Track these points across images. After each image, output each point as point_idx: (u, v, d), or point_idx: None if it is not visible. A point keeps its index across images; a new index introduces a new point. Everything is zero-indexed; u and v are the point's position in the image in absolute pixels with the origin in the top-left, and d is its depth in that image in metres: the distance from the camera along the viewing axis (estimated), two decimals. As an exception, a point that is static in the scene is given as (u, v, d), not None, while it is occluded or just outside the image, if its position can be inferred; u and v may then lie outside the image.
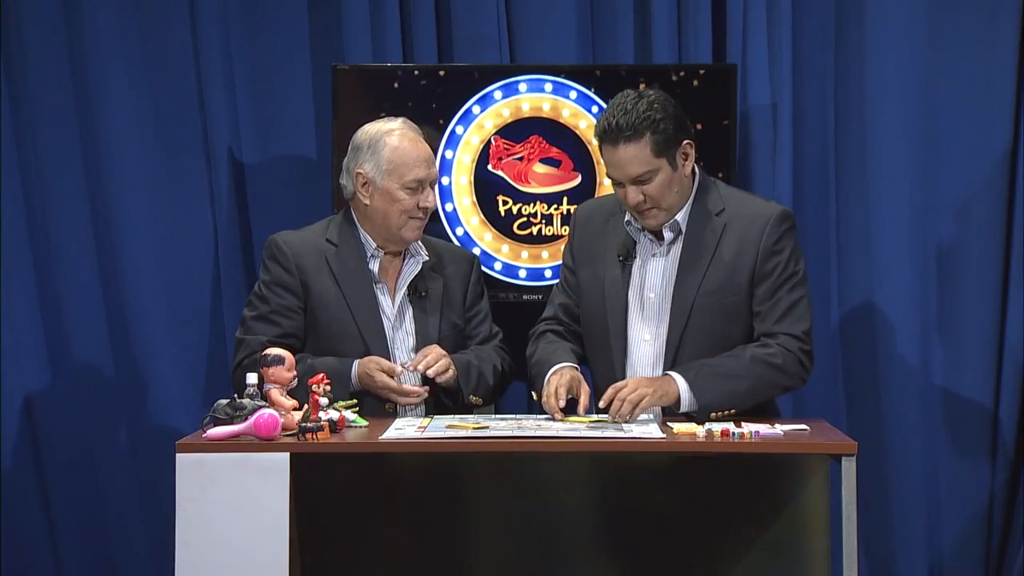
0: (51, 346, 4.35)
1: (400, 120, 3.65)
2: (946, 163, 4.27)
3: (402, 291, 3.62)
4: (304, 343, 3.58)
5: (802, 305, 3.43)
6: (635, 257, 3.50)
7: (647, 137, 3.37)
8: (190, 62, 4.35)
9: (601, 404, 3.31)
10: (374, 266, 3.61)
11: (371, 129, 3.63)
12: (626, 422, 3.25)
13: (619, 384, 3.31)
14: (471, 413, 3.53)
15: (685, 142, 3.42)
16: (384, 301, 3.61)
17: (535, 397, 3.45)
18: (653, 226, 3.46)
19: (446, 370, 3.51)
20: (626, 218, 3.49)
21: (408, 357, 3.58)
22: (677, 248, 3.47)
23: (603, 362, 3.51)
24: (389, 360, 3.54)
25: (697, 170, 3.50)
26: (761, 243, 3.42)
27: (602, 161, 3.48)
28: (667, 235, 3.47)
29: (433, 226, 4.08)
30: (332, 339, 3.56)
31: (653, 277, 3.48)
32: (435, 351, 3.53)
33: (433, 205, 3.64)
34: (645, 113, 3.37)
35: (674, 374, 3.35)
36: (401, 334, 3.62)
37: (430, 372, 3.49)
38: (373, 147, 3.59)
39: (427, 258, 3.65)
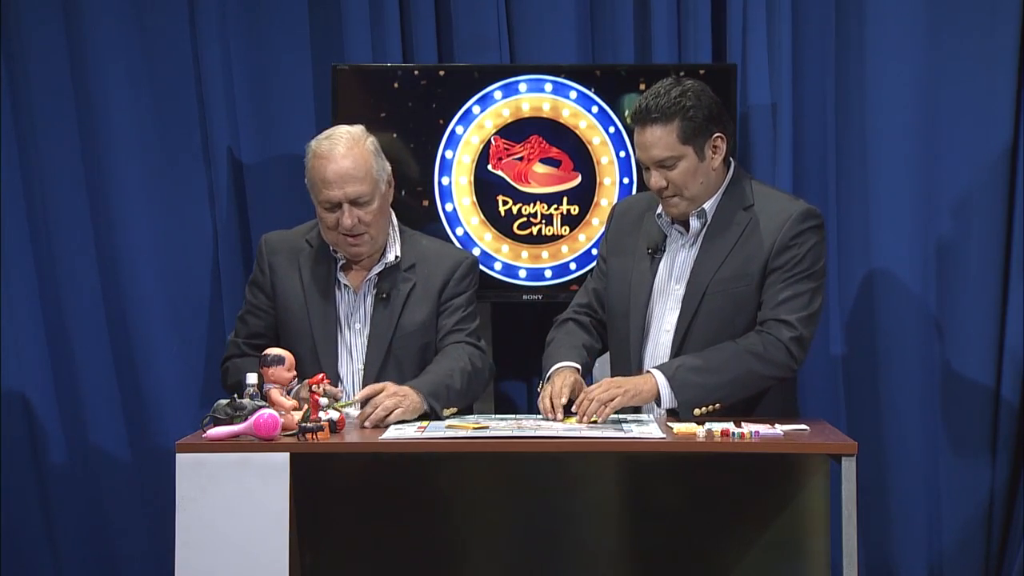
0: (51, 346, 4.35)
1: (341, 131, 3.55)
2: (946, 162, 4.27)
3: (363, 292, 3.60)
4: (276, 342, 3.57)
5: (805, 297, 3.40)
6: (664, 251, 3.50)
7: (675, 123, 3.38)
8: (190, 62, 4.35)
9: (574, 408, 3.32)
10: (340, 266, 3.60)
11: (315, 138, 3.59)
12: (593, 422, 3.24)
13: (592, 386, 3.32)
14: (471, 413, 3.53)
15: (716, 135, 3.42)
16: (348, 303, 3.60)
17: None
18: (675, 215, 3.47)
19: (392, 410, 3.29)
20: (657, 211, 3.50)
21: (360, 355, 3.56)
22: (702, 237, 3.48)
23: (622, 351, 3.53)
24: (337, 361, 3.55)
25: (732, 163, 3.51)
26: (778, 237, 3.41)
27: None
28: (694, 224, 3.47)
29: (434, 226, 4.09)
30: (290, 338, 3.55)
31: (680, 269, 3.48)
32: (380, 397, 3.30)
33: (348, 226, 3.49)
34: (677, 99, 3.39)
35: (654, 371, 3.35)
36: (357, 335, 3.59)
37: (368, 424, 3.26)
38: (305, 159, 3.57)
39: (396, 258, 3.60)
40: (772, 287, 3.41)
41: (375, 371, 3.55)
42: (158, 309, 4.34)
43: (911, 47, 4.26)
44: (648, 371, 3.37)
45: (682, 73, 4.02)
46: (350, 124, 3.66)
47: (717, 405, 3.33)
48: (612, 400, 3.26)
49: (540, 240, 4.14)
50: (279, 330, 3.60)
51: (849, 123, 4.30)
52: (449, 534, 3.29)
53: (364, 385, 3.48)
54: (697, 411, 3.31)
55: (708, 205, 3.46)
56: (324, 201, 3.51)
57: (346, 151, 3.52)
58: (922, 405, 4.28)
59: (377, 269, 3.60)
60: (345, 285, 3.60)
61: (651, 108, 3.39)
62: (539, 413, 3.37)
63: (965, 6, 4.25)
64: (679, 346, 3.43)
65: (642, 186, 3.71)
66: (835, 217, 4.30)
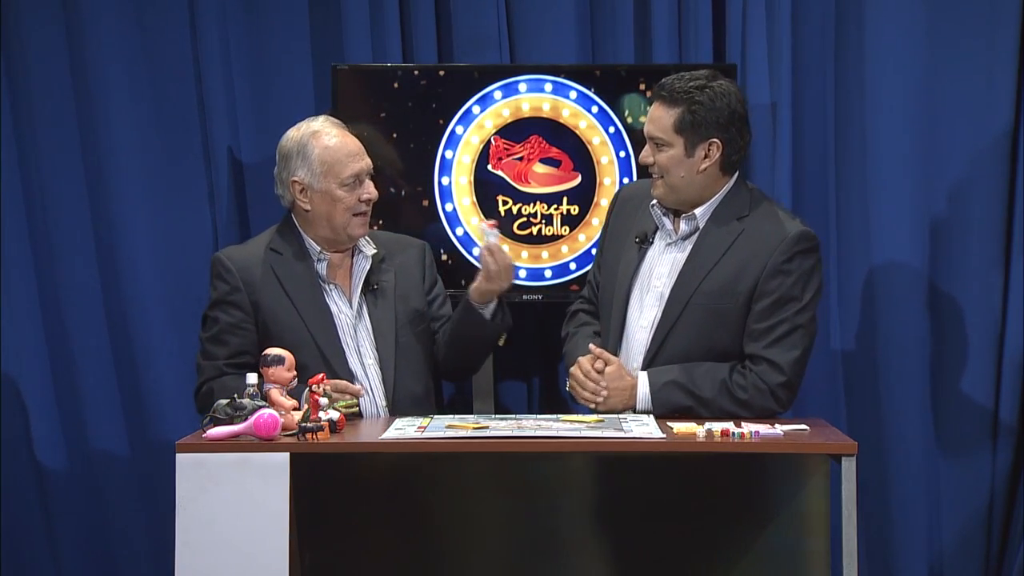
0: (51, 346, 4.35)
1: (321, 118, 3.66)
2: (946, 162, 4.27)
3: (359, 289, 3.61)
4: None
5: (797, 333, 3.37)
6: (652, 243, 3.50)
7: (676, 109, 3.39)
8: (190, 62, 4.35)
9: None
10: (322, 269, 3.60)
11: (295, 135, 3.62)
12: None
13: (611, 371, 3.38)
14: (471, 413, 3.53)
15: (712, 140, 3.40)
16: (340, 302, 3.60)
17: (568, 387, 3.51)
18: (656, 196, 3.47)
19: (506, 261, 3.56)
20: (652, 201, 3.50)
21: (371, 351, 3.58)
22: (691, 244, 3.47)
23: (607, 339, 3.53)
24: (347, 361, 3.54)
25: (737, 175, 3.48)
26: (770, 260, 3.38)
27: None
28: (683, 227, 3.46)
29: (434, 226, 4.09)
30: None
31: (662, 267, 3.47)
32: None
33: (374, 195, 3.61)
34: (691, 90, 3.40)
35: (642, 383, 3.38)
36: (362, 331, 3.60)
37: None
38: (302, 152, 3.58)
39: (375, 251, 3.64)
40: (763, 316, 3.38)
41: (391, 363, 3.58)
42: (158, 309, 4.34)
43: (911, 47, 4.25)
44: (638, 377, 3.39)
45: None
46: (350, 124, 3.68)
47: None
48: (605, 400, 3.35)
49: (540, 240, 4.14)
50: (269, 344, 3.48)
51: (849, 123, 4.29)
52: (449, 534, 3.29)
53: (384, 378, 3.54)
54: None
55: (700, 211, 3.45)
56: (349, 176, 3.56)
57: (344, 129, 3.63)
58: (922, 405, 4.28)
59: (362, 264, 3.63)
60: (334, 284, 3.60)
61: (665, 86, 3.43)
62: (538, 414, 3.38)
63: (965, 6, 4.24)
64: (654, 352, 3.43)
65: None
66: (835, 217, 4.30)
